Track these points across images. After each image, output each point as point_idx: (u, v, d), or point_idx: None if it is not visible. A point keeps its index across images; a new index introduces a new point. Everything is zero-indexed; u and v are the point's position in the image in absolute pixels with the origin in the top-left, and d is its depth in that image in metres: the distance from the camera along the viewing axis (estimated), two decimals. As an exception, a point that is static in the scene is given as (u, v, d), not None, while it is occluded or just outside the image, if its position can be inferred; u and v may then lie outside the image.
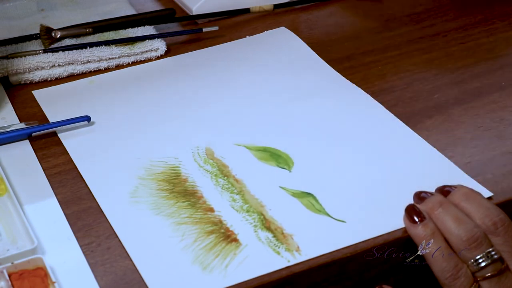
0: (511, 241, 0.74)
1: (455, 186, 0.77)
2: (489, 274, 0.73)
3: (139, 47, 1.04)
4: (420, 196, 0.77)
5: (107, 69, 1.03)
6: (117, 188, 0.84)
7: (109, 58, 1.03)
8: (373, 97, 0.94)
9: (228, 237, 0.77)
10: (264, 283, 0.73)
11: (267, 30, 1.09)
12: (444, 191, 0.77)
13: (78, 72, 1.02)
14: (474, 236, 0.73)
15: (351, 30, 1.10)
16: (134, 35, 1.06)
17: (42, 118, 0.95)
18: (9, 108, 0.97)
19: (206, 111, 0.94)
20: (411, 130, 0.89)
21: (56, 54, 1.02)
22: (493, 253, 0.73)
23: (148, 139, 0.90)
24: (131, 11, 1.11)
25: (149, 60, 1.04)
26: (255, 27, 1.10)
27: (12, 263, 0.74)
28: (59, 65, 1.01)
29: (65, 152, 0.89)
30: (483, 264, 0.73)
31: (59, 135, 0.92)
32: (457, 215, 0.74)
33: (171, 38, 1.08)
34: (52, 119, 0.94)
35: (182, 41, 1.08)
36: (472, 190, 0.77)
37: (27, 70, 1.00)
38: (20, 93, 1.00)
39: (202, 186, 0.83)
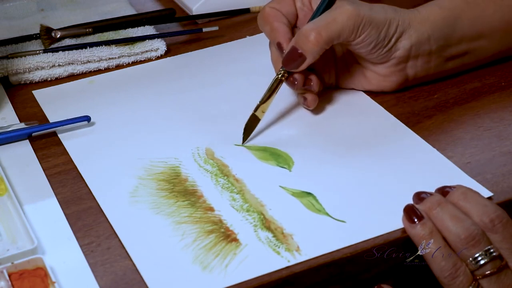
0: (509, 237, 0.74)
1: (454, 187, 0.77)
2: (488, 272, 0.73)
3: (139, 47, 1.04)
4: (419, 197, 0.77)
5: (107, 69, 1.03)
6: (117, 188, 0.84)
7: (109, 58, 1.03)
8: (372, 97, 0.95)
9: (228, 236, 0.77)
10: (264, 283, 0.73)
11: (267, 30, 1.09)
12: (444, 191, 0.77)
13: (78, 72, 1.02)
14: (471, 234, 0.73)
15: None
16: (134, 35, 1.06)
17: (42, 118, 0.95)
18: (9, 108, 0.97)
19: (206, 111, 0.94)
20: (411, 130, 0.89)
21: (56, 54, 1.02)
22: (491, 250, 0.73)
23: (148, 139, 0.91)
24: (131, 11, 1.11)
25: (149, 60, 1.04)
26: (255, 27, 1.09)
27: (12, 263, 0.74)
28: (59, 65, 1.01)
29: (65, 152, 0.89)
30: (482, 262, 0.73)
31: (59, 135, 0.92)
32: (455, 214, 0.74)
33: (171, 38, 1.08)
34: (52, 119, 0.94)
35: (182, 41, 1.08)
36: (470, 189, 0.77)
37: (27, 70, 1.01)
38: (20, 93, 1.00)
39: (202, 186, 0.83)
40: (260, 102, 0.89)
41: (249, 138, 0.89)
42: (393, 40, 0.89)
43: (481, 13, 0.93)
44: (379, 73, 0.93)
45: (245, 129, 0.89)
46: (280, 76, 0.89)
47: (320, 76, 0.93)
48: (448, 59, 0.94)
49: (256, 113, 0.89)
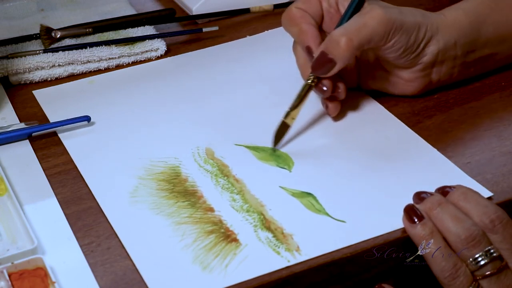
0: (509, 238, 0.74)
1: (454, 187, 0.77)
2: (488, 272, 0.73)
3: (139, 47, 1.04)
4: (420, 197, 0.77)
5: (107, 69, 1.03)
6: (117, 188, 0.84)
7: (109, 58, 1.03)
8: (373, 97, 0.95)
9: (228, 237, 0.77)
10: (264, 283, 0.73)
11: (267, 30, 1.09)
12: (444, 191, 0.77)
13: (78, 72, 1.02)
14: (472, 235, 0.73)
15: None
16: (134, 35, 1.06)
17: (42, 118, 0.95)
18: (9, 108, 0.97)
19: (206, 111, 0.94)
20: (411, 130, 0.89)
21: (56, 54, 1.02)
22: (492, 251, 0.73)
23: (148, 139, 0.91)
24: (131, 11, 1.11)
25: (149, 60, 1.04)
26: (255, 27, 1.10)
27: (12, 263, 0.74)
28: (59, 65, 1.01)
29: (65, 152, 0.89)
30: (482, 262, 0.73)
31: (59, 135, 0.92)
32: (455, 214, 0.74)
33: (171, 38, 1.08)
34: (52, 119, 0.94)
35: (182, 41, 1.08)
36: (470, 189, 0.77)
37: (27, 70, 1.01)
38: (20, 93, 1.00)
39: (202, 186, 0.83)
40: (290, 108, 0.87)
41: (279, 142, 0.88)
42: (421, 45, 0.88)
43: (505, 18, 0.92)
44: (404, 78, 0.92)
45: (275, 136, 0.88)
46: (310, 82, 0.87)
47: (342, 78, 0.92)
48: (471, 64, 0.93)
49: (286, 120, 0.87)
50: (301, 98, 0.88)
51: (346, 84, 0.93)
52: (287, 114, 0.88)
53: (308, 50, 0.88)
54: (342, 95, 0.89)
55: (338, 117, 0.92)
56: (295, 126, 0.91)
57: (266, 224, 0.79)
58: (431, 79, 0.92)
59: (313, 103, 0.93)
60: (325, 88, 0.88)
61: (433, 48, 0.89)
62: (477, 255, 0.73)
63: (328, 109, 0.91)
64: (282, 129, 0.88)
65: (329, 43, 0.86)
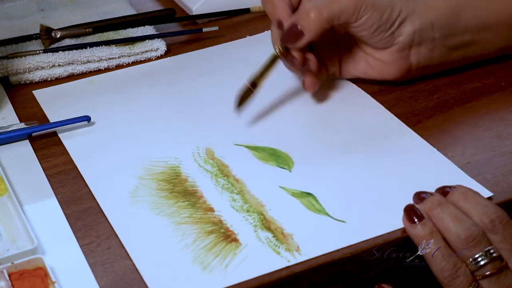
0: (509, 238, 0.74)
1: (454, 187, 0.77)
2: (488, 272, 0.73)
3: (139, 47, 1.04)
4: (420, 197, 0.77)
5: (107, 69, 1.03)
6: (117, 188, 0.84)
7: (109, 58, 1.03)
8: (373, 97, 0.95)
9: (228, 237, 0.77)
10: (264, 283, 0.73)
11: (267, 30, 1.08)
12: (444, 191, 0.77)
13: (78, 72, 1.02)
14: (472, 235, 0.73)
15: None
16: (134, 35, 1.06)
17: (42, 118, 0.95)
18: (9, 108, 0.97)
19: (206, 111, 0.94)
20: (411, 130, 0.89)
21: (56, 54, 1.02)
22: (492, 251, 0.73)
23: (148, 139, 0.91)
24: (131, 11, 1.11)
25: (149, 60, 1.04)
26: (255, 27, 1.10)
27: (12, 263, 0.74)
28: (59, 65, 1.01)
29: (65, 152, 0.89)
30: (482, 262, 0.73)
31: (59, 135, 0.92)
32: (455, 214, 0.74)
33: (171, 38, 1.08)
34: (52, 119, 0.94)
35: (182, 41, 1.08)
36: (470, 189, 0.77)
37: (27, 70, 1.01)
38: (20, 93, 1.00)
39: (202, 186, 0.83)
40: (254, 75, 0.90)
41: (242, 107, 0.90)
42: (395, 24, 0.89)
43: (487, 5, 0.93)
44: (382, 60, 0.92)
45: (239, 99, 0.89)
46: (277, 51, 0.89)
47: (324, 64, 0.93)
48: (451, 49, 0.93)
49: (249, 85, 0.90)
50: (267, 66, 0.90)
51: (328, 72, 0.94)
52: (251, 80, 0.89)
53: (279, 24, 0.89)
54: (313, 67, 0.90)
55: (338, 117, 0.92)
56: (295, 126, 0.91)
57: (266, 224, 0.79)
58: (410, 62, 0.92)
59: (313, 103, 0.94)
60: (294, 60, 0.89)
61: (409, 28, 0.90)
62: (477, 255, 0.73)
63: (304, 85, 0.92)
64: (246, 94, 0.90)
65: (299, 15, 0.87)
